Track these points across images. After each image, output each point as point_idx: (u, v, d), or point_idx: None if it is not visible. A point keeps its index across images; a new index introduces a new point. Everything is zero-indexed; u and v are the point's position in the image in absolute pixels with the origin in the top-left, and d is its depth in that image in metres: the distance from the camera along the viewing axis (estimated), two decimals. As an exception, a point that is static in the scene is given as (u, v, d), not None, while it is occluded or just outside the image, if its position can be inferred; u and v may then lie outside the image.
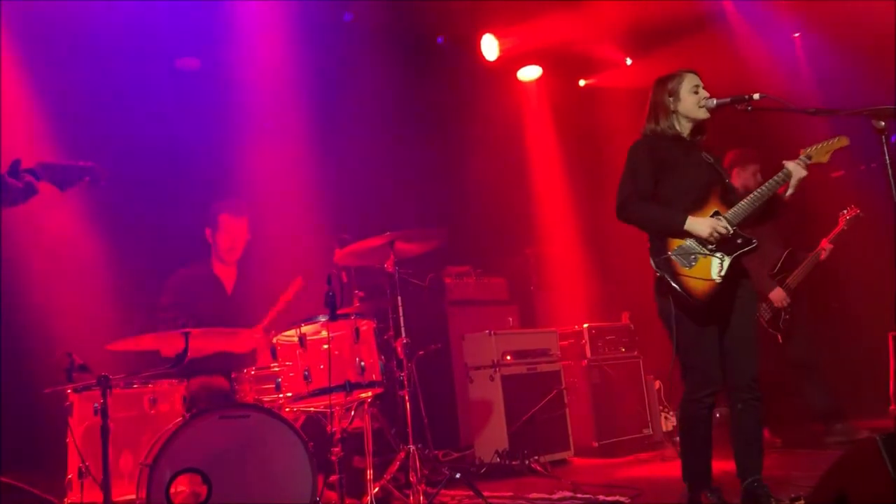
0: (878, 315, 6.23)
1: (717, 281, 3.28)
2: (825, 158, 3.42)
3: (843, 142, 3.42)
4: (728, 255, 3.31)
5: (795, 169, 3.35)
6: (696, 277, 3.26)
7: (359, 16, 6.66)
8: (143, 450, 3.55)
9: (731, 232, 3.31)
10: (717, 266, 3.29)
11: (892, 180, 2.83)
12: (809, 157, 3.40)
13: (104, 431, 3.27)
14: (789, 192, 3.41)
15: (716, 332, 3.36)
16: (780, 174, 3.39)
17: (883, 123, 2.82)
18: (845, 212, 5.41)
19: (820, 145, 3.42)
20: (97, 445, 3.35)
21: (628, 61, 7.63)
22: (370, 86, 6.77)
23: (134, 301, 4.83)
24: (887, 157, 2.81)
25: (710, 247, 3.31)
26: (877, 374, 6.21)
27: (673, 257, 3.29)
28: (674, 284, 3.26)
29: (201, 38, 5.79)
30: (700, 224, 3.29)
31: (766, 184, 3.39)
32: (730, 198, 3.45)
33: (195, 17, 5.61)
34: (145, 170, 5.31)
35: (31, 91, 5.03)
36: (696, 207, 3.38)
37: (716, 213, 3.37)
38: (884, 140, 2.82)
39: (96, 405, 3.45)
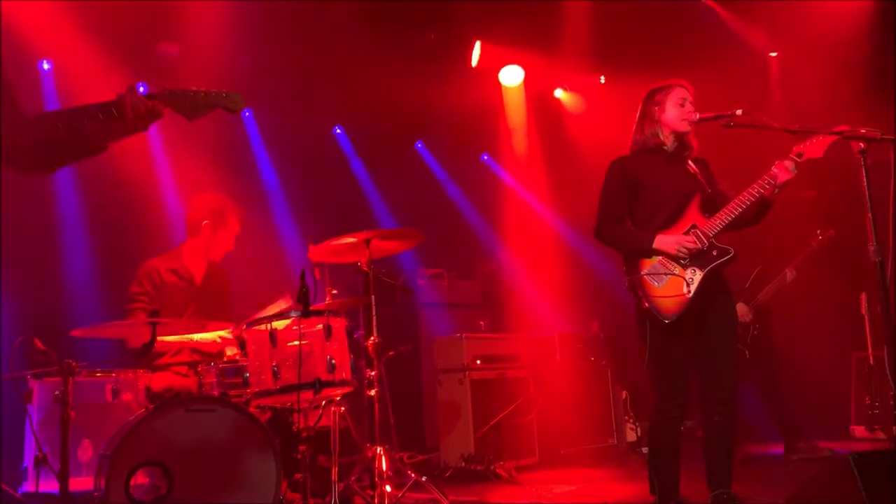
0: (842, 336, 6.34)
1: (688, 296, 3.28)
2: (820, 153, 3.22)
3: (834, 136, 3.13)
4: (702, 268, 3.32)
5: (790, 168, 3.24)
6: (666, 296, 3.28)
7: (341, 12, 6.61)
8: (104, 440, 3.47)
9: (706, 245, 3.32)
10: (687, 282, 3.30)
11: (867, 202, 2.86)
12: (801, 155, 3.25)
13: (64, 420, 3.19)
14: (777, 190, 3.30)
15: (689, 345, 3.37)
16: (763, 180, 3.28)
17: (863, 145, 2.85)
18: (818, 232, 5.49)
19: (812, 141, 3.22)
20: (56, 434, 3.27)
21: (602, 79, 7.68)
22: (350, 82, 6.74)
23: (102, 288, 4.74)
24: (865, 180, 2.85)
25: (683, 262, 3.32)
26: (839, 394, 6.32)
27: (645, 276, 3.31)
28: (646, 304, 3.29)
29: (181, 24, 5.71)
30: (667, 242, 3.32)
31: (747, 192, 3.31)
32: (712, 207, 3.42)
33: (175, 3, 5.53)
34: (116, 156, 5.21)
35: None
36: (672, 222, 3.39)
37: (692, 227, 3.38)
38: (863, 162, 2.85)
39: (57, 392, 3.36)
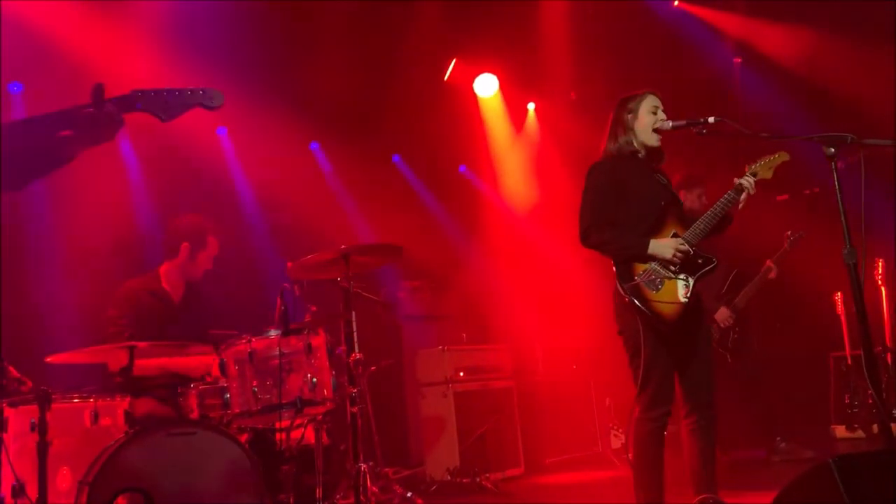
0: (821, 336, 6.41)
1: (684, 302, 3.30)
2: (769, 174, 3.45)
3: (783, 157, 3.45)
4: (691, 276, 3.34)
5: (746, 185, 3.38)
6: (664, 301, 3.28)
7: (319, 28, 6.61)
8: (83, 467, 3.40)
9: (692, 252, 3.34)
10: (682, 288, 3.32)
11: (840, 205, 2.90)
12: (755, 174, 3.43)
13: (41, 449, 3.13)
14: (740, 206, 3.42)
15: (674, 352, 3.38)
16: (732, 192, 3.40)
17: (833, 150, 2.88)
18: (789, 233, 5.55)
19: (763, 161, 3.45)
20: (33, 462, 3.21)
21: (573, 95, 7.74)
22: (325, 98, 6.73)
23: (77, 312, 4.67)
24: (836, 183, 2.88)
25: (673, 268, 3.33)
26: (819, 394, 6.38)
27: (641, 282, 3.30)
28: (644, 310, 3.27)
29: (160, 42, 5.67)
30: (663, 246, 3.32)
31: (721, 201, 3.40)
32: (685, 218, 3.48)
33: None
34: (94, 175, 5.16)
35: None
36: (656, 229, 3.40)
37: (674, 235, 3.39)
38: (833, 166, 2.89)
39: (33, 421, 3.29)
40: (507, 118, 7.81)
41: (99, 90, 2.17)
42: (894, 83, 5.81)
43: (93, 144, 2.20)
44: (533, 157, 7.84)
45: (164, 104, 2.21)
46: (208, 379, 3.97)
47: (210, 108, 2.27)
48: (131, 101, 2.20)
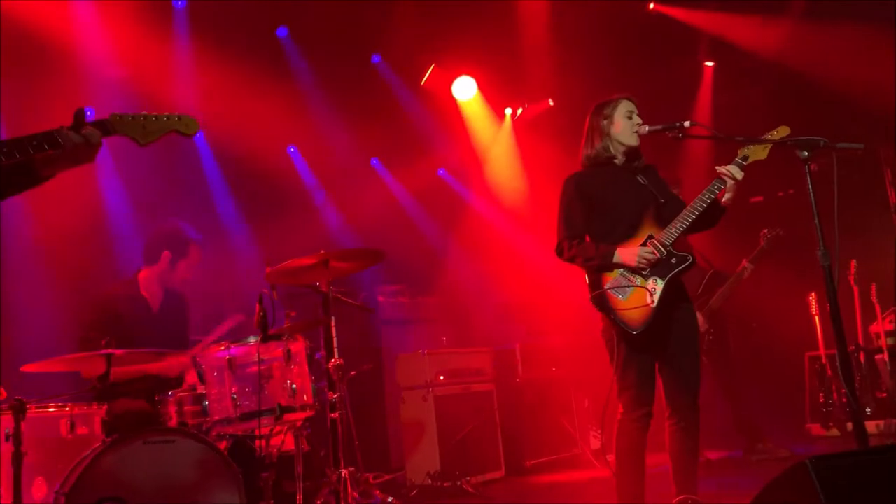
0: (795, 336, 6.49)
1: (652, 306, 3.30)
2: (763, 155, 3.30)
3: (784, 131, 3.21)
4: (662, 277, 3.34)
5: (732, 172, 3.28)
6: (631, 308, 3.30)
7: (293, 31, 6.60)
8: (60, 477, 3.36)
9: (664, 254, 3.35)
10: (650, 292, 3.34)
11: (813, 207, 2.94)
12: (746, 158, 3.32)
13: (16, 460, 3.09)
14: (728, 195, 3.34)
15: (656, 354, 3.40)
16: (712, 185, 3.33)
17: (806, 153, 2.93)
18: (766, 231, 5.59)
19: (756, 145, 3.28)
20: (8, 473, 3.16)
21: (550, 102, 7.79)
22: (302, 100, 6.71)
23: (51, 319, 4.61)
24: (809, 186, 2.92)
25: (644, 272, 3.35)
26: (794, 393, 6.47)
27: (609, 291, 3.33)
28: (612, 319, 3.31)
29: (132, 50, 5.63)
30: (627, 255, 3.34)
31: (699, 198, 3.35)
32: (666, 216, 3.45)
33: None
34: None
35: None
36: (630, 234, 3.42)
37: (649, 237, 3.40)
38: (806, 169, 2.93)
39: (8, 431, 3.25)
40: (486, 121, 7.83)
41: (80, 114, 2.23)
42: (888, 73, 5.87)
43: (72, 166, 2.26)
44: (511, 161, 7.87)
45: (143, 129, 2.31)
46: (185, 385, 3.94)
47: (184, 135, 2.37)
48: (110, 126, 2.28)
